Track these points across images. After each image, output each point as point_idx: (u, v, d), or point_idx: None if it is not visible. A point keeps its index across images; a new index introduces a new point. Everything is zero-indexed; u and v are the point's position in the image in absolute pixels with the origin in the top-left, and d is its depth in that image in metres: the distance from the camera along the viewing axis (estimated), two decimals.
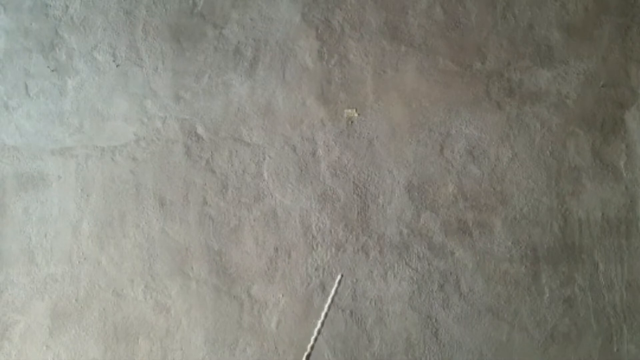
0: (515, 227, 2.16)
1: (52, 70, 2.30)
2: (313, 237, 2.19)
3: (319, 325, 1.11)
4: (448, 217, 2.17)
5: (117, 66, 2.30)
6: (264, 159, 2.23)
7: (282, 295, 2.18)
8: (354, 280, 2.15)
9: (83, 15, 2.32)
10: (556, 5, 2.23)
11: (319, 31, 2.27)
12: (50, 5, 2.32)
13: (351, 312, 2.14)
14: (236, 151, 2.24)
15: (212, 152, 2.24)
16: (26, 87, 2.30)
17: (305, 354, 1.11)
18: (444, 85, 2.22)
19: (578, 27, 2.22)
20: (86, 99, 2.29)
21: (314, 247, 2.19)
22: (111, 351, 2.19)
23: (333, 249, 2.17)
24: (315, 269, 2.18)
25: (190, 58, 2.28)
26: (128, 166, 2.26)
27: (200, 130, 2.26)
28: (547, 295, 2.13)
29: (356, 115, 2.22)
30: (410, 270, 2.15)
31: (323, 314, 1.12)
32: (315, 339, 1.13)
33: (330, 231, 2.19)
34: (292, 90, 2.25)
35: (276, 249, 2.20)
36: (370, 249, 2.17)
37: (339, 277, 1.13)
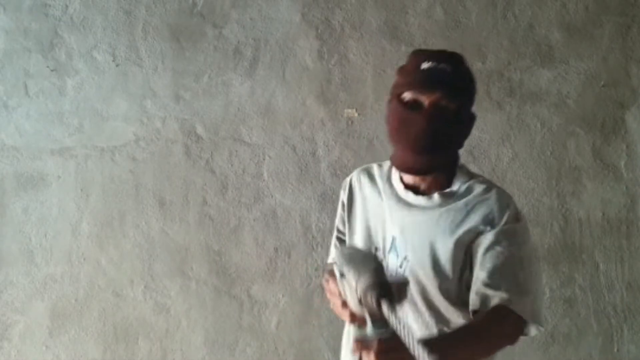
0: None
1: (52, 70, 2.30)
2: (313, 237, 2.19)
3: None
4: None
5: (116, 66, 2.29)
6: (264, 159, 2.23)
7: (282, 296, 2.17)
8: None
9: (82, 15, 2.31)
10: (556, 4, 2.22)
11: (319, 31, 2.26)
12: (50, 5, 2.32)
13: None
14: (236, 151, 2.24)
15: (211, 152, 2.24)
16: (25, 87, 2.30)
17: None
18: None
19: (578, 26, 2.21)
20: (86, 98, 2.28)
21: (314, 247, 2.18)
22: (111, 351, 2.19)
23: None
24: (315, 269, 2.17)
25: (190, 58, 2.28)
26: (127, 166, 2.25)
27: (200, 130, 2.25)
28: (548, 295, 2.12)
29: (356, 115, 2.22)
30: None
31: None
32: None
33: (331, 231, 2.18)
34: (292, 90, 2.25)
35: (276, 249, 2.20)
36: None
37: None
